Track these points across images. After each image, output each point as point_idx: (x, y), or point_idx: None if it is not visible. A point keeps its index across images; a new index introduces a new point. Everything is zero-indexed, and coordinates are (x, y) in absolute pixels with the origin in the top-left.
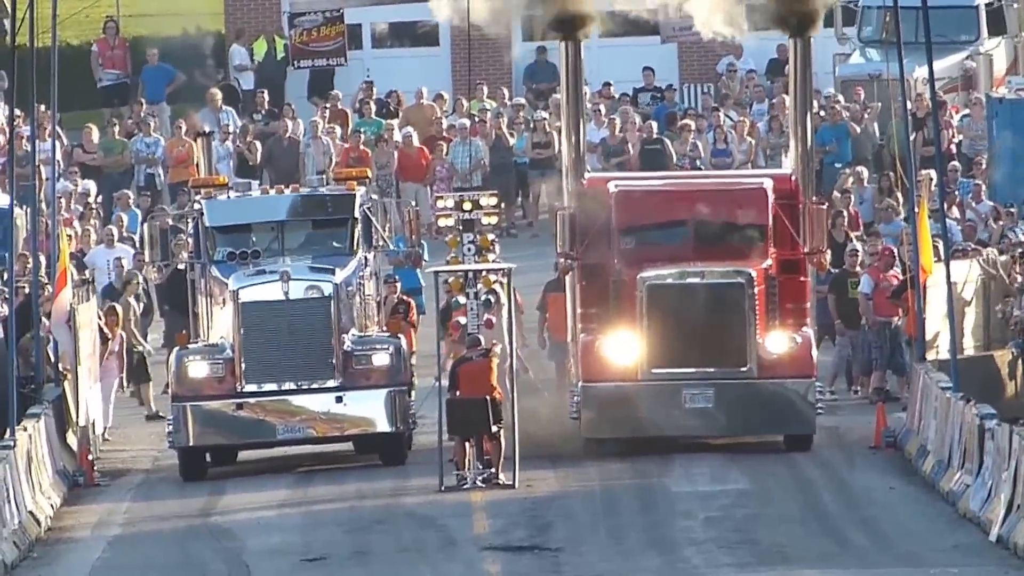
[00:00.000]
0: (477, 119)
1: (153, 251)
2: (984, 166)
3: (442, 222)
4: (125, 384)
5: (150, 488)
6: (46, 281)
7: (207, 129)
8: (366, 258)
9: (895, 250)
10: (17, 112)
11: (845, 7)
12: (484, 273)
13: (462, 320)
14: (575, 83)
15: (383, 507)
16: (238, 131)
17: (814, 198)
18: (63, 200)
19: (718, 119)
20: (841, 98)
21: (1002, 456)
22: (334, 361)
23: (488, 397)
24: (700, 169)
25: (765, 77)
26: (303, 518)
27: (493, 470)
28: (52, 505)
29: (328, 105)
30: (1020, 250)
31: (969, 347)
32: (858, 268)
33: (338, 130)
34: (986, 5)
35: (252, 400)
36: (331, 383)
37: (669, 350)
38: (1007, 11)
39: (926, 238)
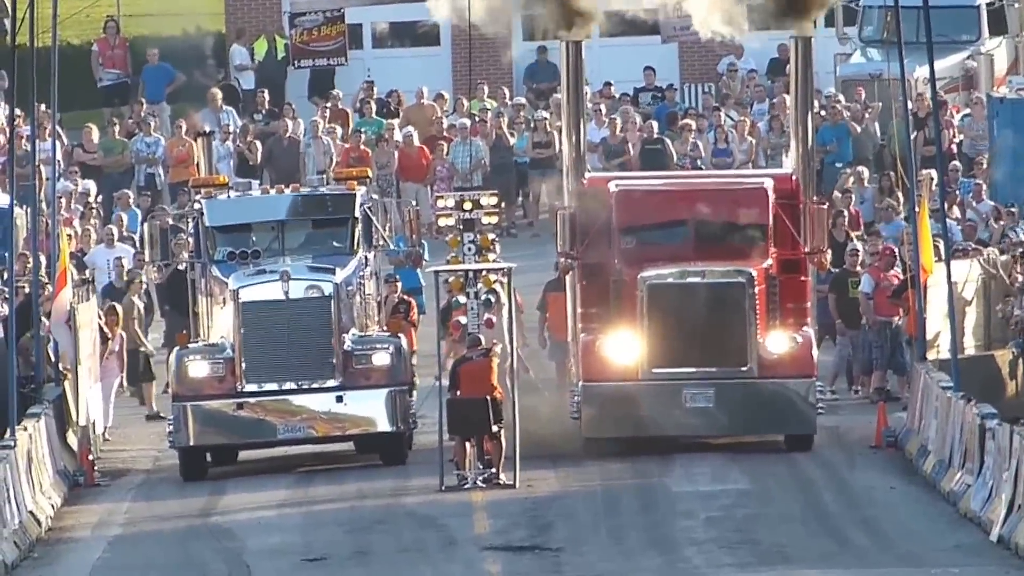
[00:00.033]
0: (478, 119)
1: (153, 251)
2: (985, 166)
3: (442, 222)
4: (125, 384)
5: (150, 488)
6: (46, 281)
7: (207, 129)
8: (366, 258)
9: (896, 250)
10: (17, 112)
11: (846, 7)
12: (484, 273)
13: (462, 320)
14: (576, 83)
15: (384, 507)
16: (238, 131)
17: (815, 198)
18: (63, 200)
19: (719, 119)
20: (842, 98)
21: (1003, 456)
22: (334, 361)
23: (488, 397)
24: (701, 169)
25: (766, 77)
26: (304, 518)
27: (494, 470)
28: (52, 505)
29: (328, 105)
30: (1021, 250)
31: (970, 347)
32: (859, 268)
33: (338, 130)
34: (987, 5)
35: (252, 400)
36: (331, 383)
37: (670, 350)
38: (1008, 11)
39: (927, 238)
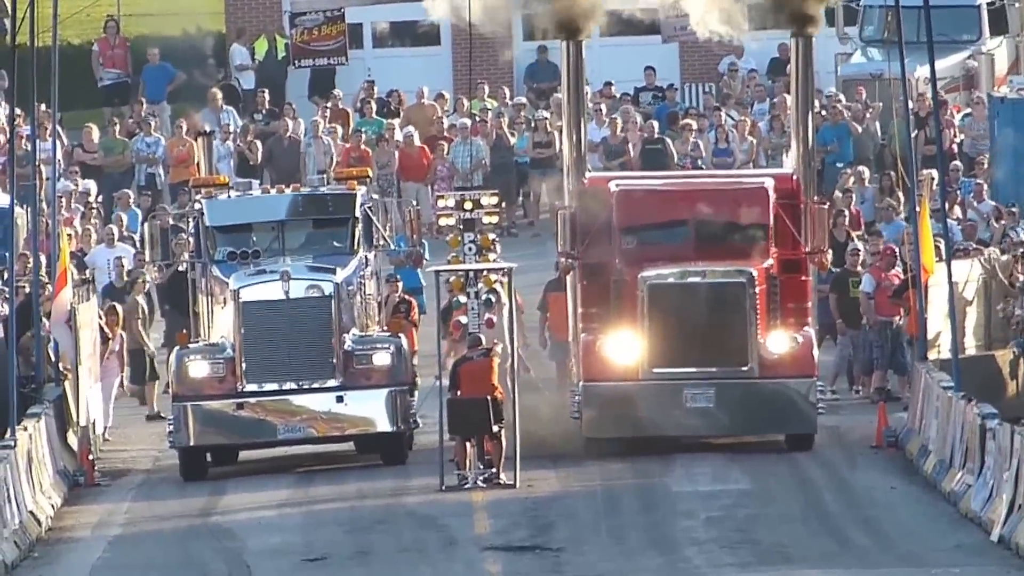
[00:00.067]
0: (478, 118)
1: (154, 251)
2: (986, 165)
3: (443, 221)
4: (127, 384)
5: (151, 488)
6: (46, 281)
7: (208, 129)
8: (367, 258)
9: (896, 249)
10: (18, 111)
11: (847, 6)
12: (485, 272)
13: (463, 320)
14: (576, 82)
15: (384, 507)
16: (239, 131)
17: (815, 197)
18: (63, 199)
19: (719, 119)
20: (843, 97)
21: (1003, 456)
22: (335, 361)
23: (489, 397)
24: (701, 169)
25: (766, 76)
26: (304, 518)
27: (494, 470)
28: (53, 505)
29: (329, 105)
30: (1022, 250)
31: (970, 346)
32: (859, 267)
33: (339, 130)
34: (988, 4)
35: (253, 400)
36: (332, 383)
37: (670, 350)
38: (1009, 10)
39: (927, 238)
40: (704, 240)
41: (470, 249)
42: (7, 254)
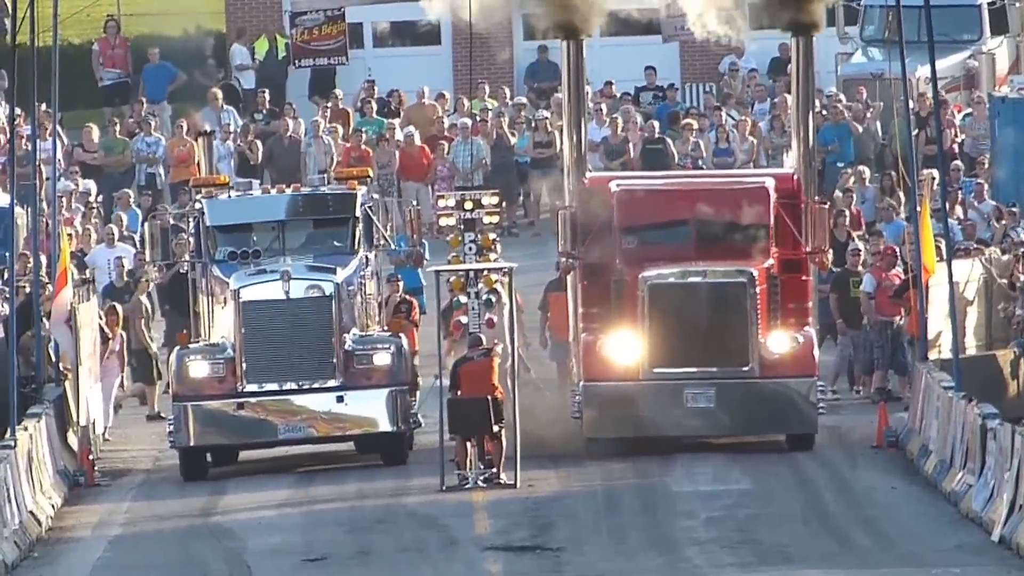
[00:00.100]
0: (478, 118)
1: (154, 251)
2: (986, 165)
3: (443, 221)
4: (128, 384)
5: (151, 488)
6: (47, 281)
7: (208, 128)
8: (367, 257)
9: (897, 249)
10: (18, 111)
11: (847, 6)
12: (485, 272)
13: (463, 319)
14: (577, 82)
15: (384, 507)
16: (239, 130)
17: (816, 197)
18: (64, 199)
19: (720, 118)
20: (843, 97)
21: (1004, 456)
22: (335, 361)
23: (489, 397)
24: (702, 168)
25: (767, 76)
26: (304, 518)
27: (494, 470)
28: (53, 505)
29: (329, 104)
30: (1022, 249)
31: (971, 346)
32: (860, 267)
33: (339, 129)
34: (988, 4)
35: (253, 400)
36: (332, 383)
37: (671, 349)
38: (1009, 10)
39: (928, 237)
40: (705, 240)
41: (470, 249)
42: (7, 254)
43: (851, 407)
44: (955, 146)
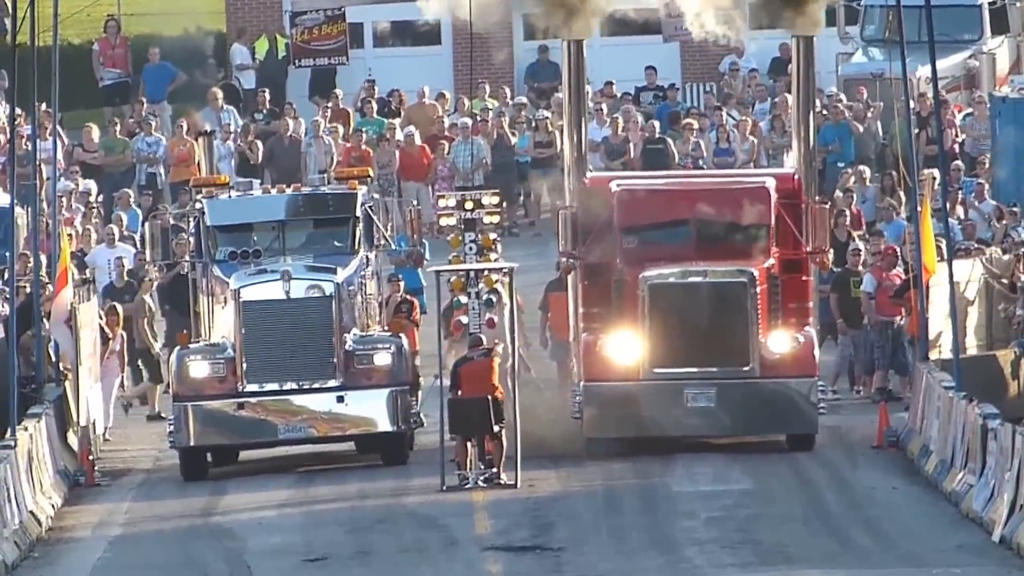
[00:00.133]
0: (479, 118)
1: (154, 250)
2: (987, 165)
3: (444, 221)
4: (128, 384)
5: (151, 488)
6: (47, 280)
7: (208, 128)
8: (367, 257)
9: (898, 249)
10: (18, 111)
11: (848, 6)
12: (486, 272)
13: (464, 320)
14: (577, 82)
15: (384, 507)
16: (239, 130)
17: (817, 197)
18: (64, 199)
19: (720, 118)
20: (844, 97)
21: (1005, 456)
22: (335, 361)
23: (490, 397)
24: (702, 168)
25: (767, 76)
26: (304, 518)
27: (495, 470)
28: (53, 505)
29: (330, 104)
30: (1023, 249)
31: (972, 346)
32: (860, 267)
33: (340, 129)
34: (989, 4)
35: (253, 400)
36: (332, 383)
37: (671, 349)
38: (1010, 10)
39: (929, 237)
40: (705, 240)
41: (471, 249)
42: (7, 254)
43: (852, 407)
44: (956, 146)
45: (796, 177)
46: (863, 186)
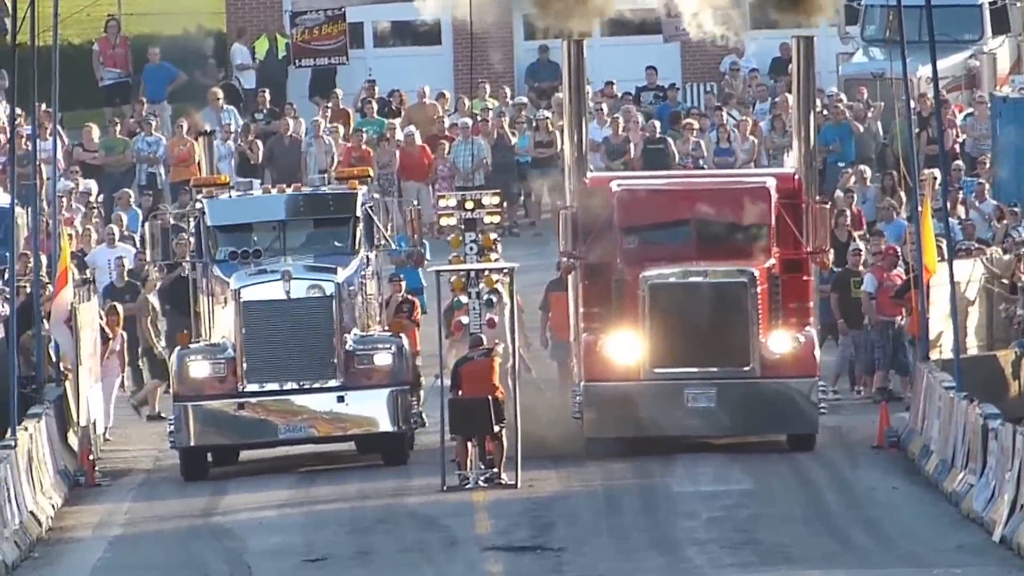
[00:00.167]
0: (479, 118)
1: (155, 251)
2: (988, 165)
3: (444, 221)
4: (127, 384)
5: (151, 488)
6: (47, 280)
7: (208, 128)
8: (368, 257)
9: (899, 249)
10: (18, 111)
11: (848, 6)
12: (486, 272)
13: (464, 320)
14: (577, 82)
15: (385, 507)
16: (240, 130)
17: (817, 197)
18: (64, 199)
19: (721, 118)
20: (844, 97)
21: (1006, 456)
22: (336, 361)
23: (490, 397)
24: (703, 168)
25: (768, 76)
26: (305, 518)
27: (495, 470)
28: (53, 505)
29: (330, 104)
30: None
31: (972, 347)
32: (861, 267)
33: (340, 129)
34: (990, 4)
35: (254, 400)
36: (333, 383)
37: (671, 349)
38: (1011, 10)
39: (929, 237)
40: (706, 240)
41: (471, 249)
42: (8, 254)
43: (852, 407)
44: (956, 146)
45: (796, 177)
46: (863, 186)
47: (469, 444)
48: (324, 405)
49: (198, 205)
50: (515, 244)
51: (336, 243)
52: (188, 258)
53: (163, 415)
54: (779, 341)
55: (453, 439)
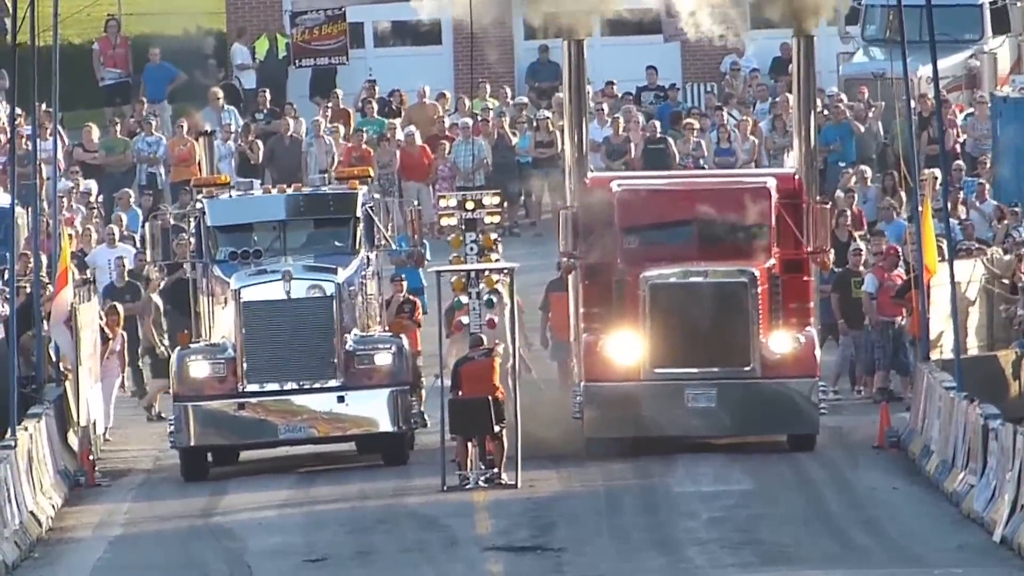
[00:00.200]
0: (480, 118)
1: (155, 251)
2: (988, 165)
3: (445, 221)
4: (127, 384)
5: (151, 488)
6: (47, 281)
7: (209, 128)
8: (368, 257)
9: (899, 249)
10: (18, 111)
11: (849, 5)
12: (487, 273)
13: (465, 320)
14: (578, 82)
15: (385, 507)
16: (240, 130)
17: (818, 197)
18: (64, 199)
19: (721, 118)
20: (844, 97)
21: (1006, 456)
22: (336, 361)
23: (490, 397)
24: (703, 168)
25: (768, 76)
26: (305, 518)
27: (496, 470)
28: (53, 505)
29: (330, 104)
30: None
31: (973, 347)
32: (862, 267)
33: (340, 129)
34: (990, 3)
35: (254, 400)
36: (333, 383)
37: (672, 350)
38: (1011, 10)
39: (930, 237)
40: (706, 240)
41: (472, 249)
42: (8, 254)
43: (852, 407)
44: (957, 146)
45: (797, 177)
46: (864, 186)
47: (469, 444)
48: (324, 405)
49: (198, 205)
50: (515, 244)
51: (336, 243)
52: (188, 258)
53: (163, 415)
54: (779, 341)
55: (453, 439)
